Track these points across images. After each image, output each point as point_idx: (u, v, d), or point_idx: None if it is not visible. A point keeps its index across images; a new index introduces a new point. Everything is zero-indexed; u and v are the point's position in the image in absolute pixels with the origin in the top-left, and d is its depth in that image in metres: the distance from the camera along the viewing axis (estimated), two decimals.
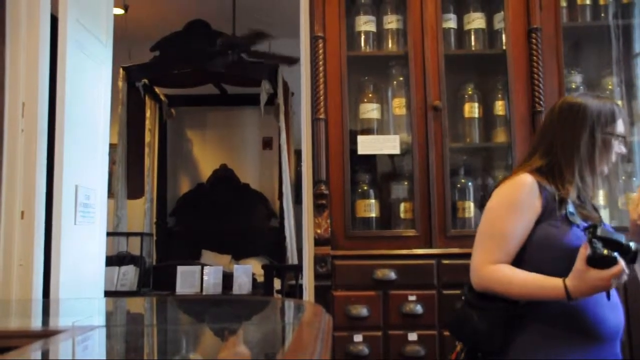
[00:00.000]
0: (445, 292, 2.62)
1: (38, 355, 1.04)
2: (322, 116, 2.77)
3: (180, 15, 6.03)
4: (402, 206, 2.84)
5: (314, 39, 2.84)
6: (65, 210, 2.99)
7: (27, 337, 1.16)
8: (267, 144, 7.56)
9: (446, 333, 2.58)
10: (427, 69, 2.81)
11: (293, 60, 5.49)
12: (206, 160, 7.62)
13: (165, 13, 6.40)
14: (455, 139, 2.91)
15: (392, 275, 2.63)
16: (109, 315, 1.78)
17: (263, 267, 5.20)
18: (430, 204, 2.73)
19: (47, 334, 1.18)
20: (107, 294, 3.97)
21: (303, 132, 2.98)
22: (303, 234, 2.92)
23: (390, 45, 2.96)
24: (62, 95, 3.01)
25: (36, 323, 1.69)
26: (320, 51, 2.82)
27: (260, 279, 5.19)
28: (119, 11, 5.87)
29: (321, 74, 2.79)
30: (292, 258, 5.98)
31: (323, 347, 1.03)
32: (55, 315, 1.83)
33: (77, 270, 3.11)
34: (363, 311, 2.59)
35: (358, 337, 2.58)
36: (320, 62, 2.81)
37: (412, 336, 2.58)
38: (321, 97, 2.78)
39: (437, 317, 2.60)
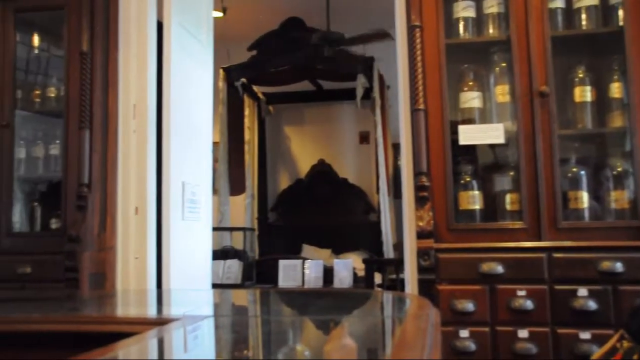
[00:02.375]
0: (557, 287, 2.47)
1: (154, 341, 1.09)
2: (421, 107, 2.70)
3: (276, 14, 6.14)
4: (508, 197, 2.72)
5: (410, 28, 2.77)
6: (174, 206, 3.14)
7: (144, 324, 1.22)
8: (364, 138, 7.54)
9: (560, 331, 2.43)
10: (531, 53, 2.66)
11: (384, 34, 5.34)
12: (304, 155, 7.72)
13: (262, 13, 6.54)
14: (565, 126, 2.73)
15: (499, 269, 2.52)
16: (216, 306, 1.83)
17: (363, 260, 5.19)
18: (538, 194, 2.59)
19: (161, 322, 1.23)
20: (214, 286, 4.13)
21: (401, 124, 2.93)
22: (403, 227, 2.87)
23: (491, 30, 2.83)
24: (168, 96, 3.16)
25: (151, 311, 1.78)
26: (418, 40, 2.75)
27: (361, 273, 5.18)
28: (218, 14, 6.07)
29: (419, 64, 2.73)
30: (387, 252, 5.93)
31: (433, 341, 0.99)
32: (167, 304, 1.91)
33: (186, 263, 3.26)
34: (469, 306, 2.50)
35: (464, 333, 2.49)
36: (418, 52, 2.74)
37: (523, 333, 2.46)
38: (420, 88, 2.71)
39: (550, 314, 2.46)
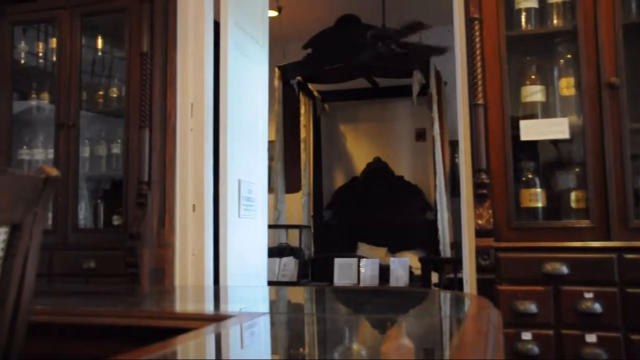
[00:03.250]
0: (629, 290, 2.34)
1: (212, 337, 1.09)
2: (480, 102, 2.62)
3: (331, 11, 6.13)
4: (573, 195, 2.60)
5: (469, 22, 2.70)
6: (231, 204, 3.18)
7: (202, 320, 1.23)
8: (420, 135, 7.43)
9: (634, 337, 2.30)
10: (600, 43, 2.53)
11: (442, 50, 5.33)
12: (360, 153, 7.68)
13: (317, 11, 6.55)
14: (637, 119, 2.59)
15: (564, 269, 2.41)
16: (272, 303, 1.83)
17: (420, 259, 5.12)
18: (606, 192, 2.46)
19: (218, 318, 1.24)
20: (269, 283, 4.16)
21: (460, 120, 2.85)
22: (462, 225, 2.80)
23: (555, 20, 2.71)
24: (225, 95, 3.20)
25: (209, 308, 1.80)
26: (477, 34, 2.67)
27: (417, 272, 5.11)
28: (273, 13, 6.12)
29: (478, 58, 2.64)
30: (444, 251, 5.82)
31: (495, 343, 0.95)
32: (224, 301, 1.93)
33: (242, 260, 3.29)
34: (531, 307, 2.41)
35: (526, 335, 2.40)
36: (477, 45, 2.65)
37: (591, 337, 2.34)
38: (479, 82, 2.63)
39: (621, 318, 2.33)
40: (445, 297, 1.86)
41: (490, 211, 2.53)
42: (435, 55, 5.79)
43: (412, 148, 7.52)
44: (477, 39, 2.66)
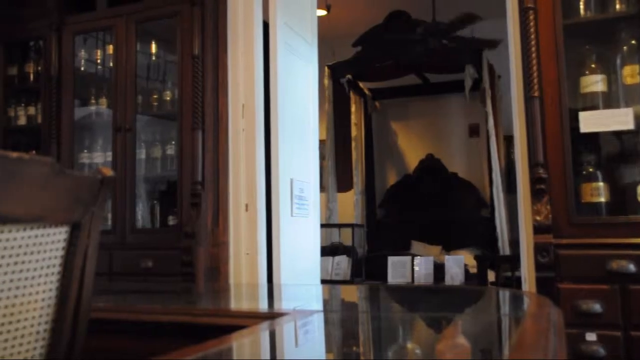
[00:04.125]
0: None
1: (266, 334, 1.09)
2: (536, 94, 2.54)
3: (380, 8, 6.09)
4: None
5: (523, 11, 2.62)
6: (283, 203, 3.19)
7: (256, 317, 1.23)
8: (473, 131, 7.28)
9: None
10: None
11: (494, 43, 5.19)
12: (412, 150, 7.60)
13: (366, 9, 6.51)
14: None
15: (631, 267, 2.30)
16: (326, 301, 1.82)
17: (476, 257, 5.01)
18: None
19: (272, 315, 1.24)
20: (322, 282, 4.16)
21: (515, 113, 2.77)
22: (519, 221, 2.72)
23: (617, 5, 2.60)
24: (275, 95, 3.22)
25: (263, 305, 1.81)
26: (532, 23, 2.58)
27: (473, 270, 5.00)
28: (322, 12, 6.12)
29: (533, 48, 2.56)
30: (503, 249, 5.67)
31: (557, 343, 0.91)
32: (278, 299, 1.94)
33: (295, 259, 3.30)
34: (596, 307, 2.31)
35: (591, 336, 2.30)
36: (532, 36, 2.57)
37: None
38: (534, 74, 2.55)
39: None
40: (503, 295, 1.80)
41: (549, 207, 2.45)
42: (487, 49, 5.65)
43: (465, 144, 7.38)
44: (532, 29, 2.58)
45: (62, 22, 3.67)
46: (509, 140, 6.32)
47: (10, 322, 0.84)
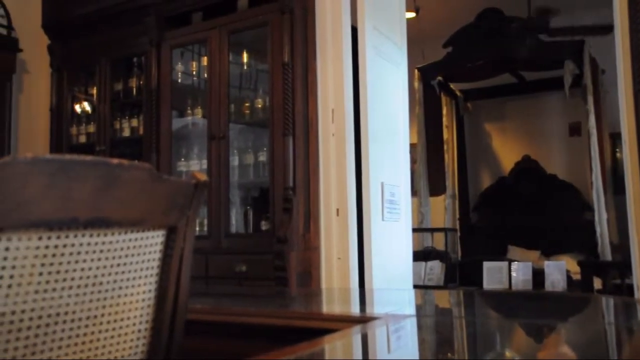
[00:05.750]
0: None
1: (358, 338, 1.08)
2: None
3: (471, 7, 5.93)
4: None
5: None
6: (374, 207, 3.18)
7: (348, 321, 1.23)
8: (574, 130, 6.89)
9: None
10: None
11: (605, 29, 4.83)
12: (507, 152, 7.32)
13: (456, 8, 6.36)
14: None
15: None
16: (418, 306, 1.79)
17: (579, 263, 4.73)
18: None
19: (364, 319, 1.23)
20: (415, 287, 4.09)
21: (622, 109, 2.59)
22: (629, 225, 2.53)
23: None
24: (365, 99, 3.21)
25: (354, 309, 1.80)
26: None
27: (576, 276, 4.73)
28: (411, 14, 6.05)
29: None
30: (603, 254, 5.32)
31: None
32: (370, 303, 1.92)
33: (387, 264, 3.27)
34: None
35: None
36: None
37: None
38: None
39: None
40: (612, 303, 1.68)
41: None
42: (597, 35, 5.26)
43: (565, 144, 7.00)
44: None
45: (161, 38, 3.87)
46: (615, 138, 5.92)
47: (115, 321, 0.89)
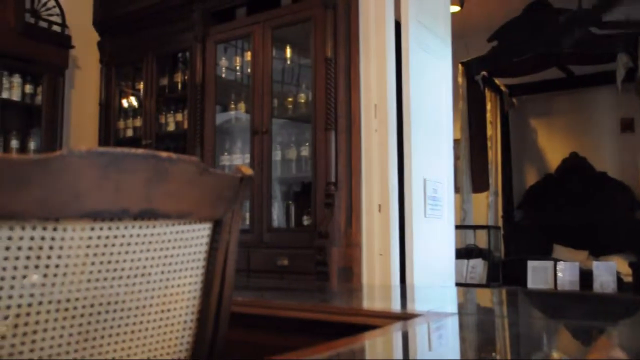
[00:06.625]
0: None
1: (398, 335, 1.08)
2: None
3: (517, 0, 5.79)
4: None
5: None
6: (416, 203, 3.15)
7: (389, 317, 1.22)
8: (626, 125, 6.66)
9: None
10: None
11: None
12: (553, 149, 7.14)
13: (502, 1, 6.23)
14: None
15: None
16: (460, 304, 1.76)
17: (631, 264, 4.58)
18: None
19: (405, 316, 1.22)
20: (457, 285, 4.04)
21: None
22: None
23: None
24: (408, 94, 3.18)
25: (395, 306, 1.79)
26: None
27: (627, 278, 4.58)
28: (455, 8, 5.95)
29: None
30: None
31: None
32: (411, 300, 1.91)
33: (429, 261, 3.24)
34: None
35: None
36: None
37: None
38: None
39: None
40: None
41: None
42: None
43: (616, 140, 6.77)
44: None
45: (205, 33, 3.93)
46: None
47: (162, 311, 0.91)
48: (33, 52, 4.23)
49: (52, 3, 4.47)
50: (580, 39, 5.31)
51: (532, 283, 4.76)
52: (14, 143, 4.29)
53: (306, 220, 3.51)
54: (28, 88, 4.32)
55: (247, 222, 3.56)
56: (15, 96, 4.24)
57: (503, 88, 6.98)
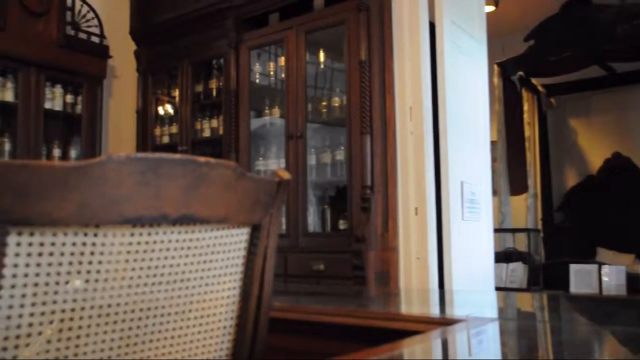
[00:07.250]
0: None
1: (438, 342, 1.05)
2: None
3: None
4: None
5: None
6: (453, 206, 3.10)
7: (427, 322, 1.20)
8: None
9: None
10: None
11: None
12: (594, 149, 6.96)
13: (538, 0, 6.12)
14: None
15: None
16: (501, 309, 1.72)
17: None
18: None
19: (444, 322, 1.20)
20: (496, 289, 3.97)
21: None
22: None
23: None
24: (443, 96, 3.15)
25: (434, 311, 1.76)
26: None
27: None
28: (490, 8, 5.87)
29: None
30: None
31: None
32: (450, 305, 1.88)
33: (467, 264, 3.19)
34: None
35: None
36: None
37: None
38: None
39: None
40: None
41: None
42: None
43: None
44: None
45: (239, 40, 3.96)
46: None
47: (201, 317, 0.91)
48: (73, 63, 4.34)
49: (90, 15, 4.58)
50: (623, 36, 5.17)
51: (575, 287, 4.63)
52: (57, 152, 4.40)
53: (342, 225, 3.49)
54: (69, 98, 4.43)
55: (283, 226, 3.56)
56: (57, 106, 4.36)
57: (540, 88, 6.85)
